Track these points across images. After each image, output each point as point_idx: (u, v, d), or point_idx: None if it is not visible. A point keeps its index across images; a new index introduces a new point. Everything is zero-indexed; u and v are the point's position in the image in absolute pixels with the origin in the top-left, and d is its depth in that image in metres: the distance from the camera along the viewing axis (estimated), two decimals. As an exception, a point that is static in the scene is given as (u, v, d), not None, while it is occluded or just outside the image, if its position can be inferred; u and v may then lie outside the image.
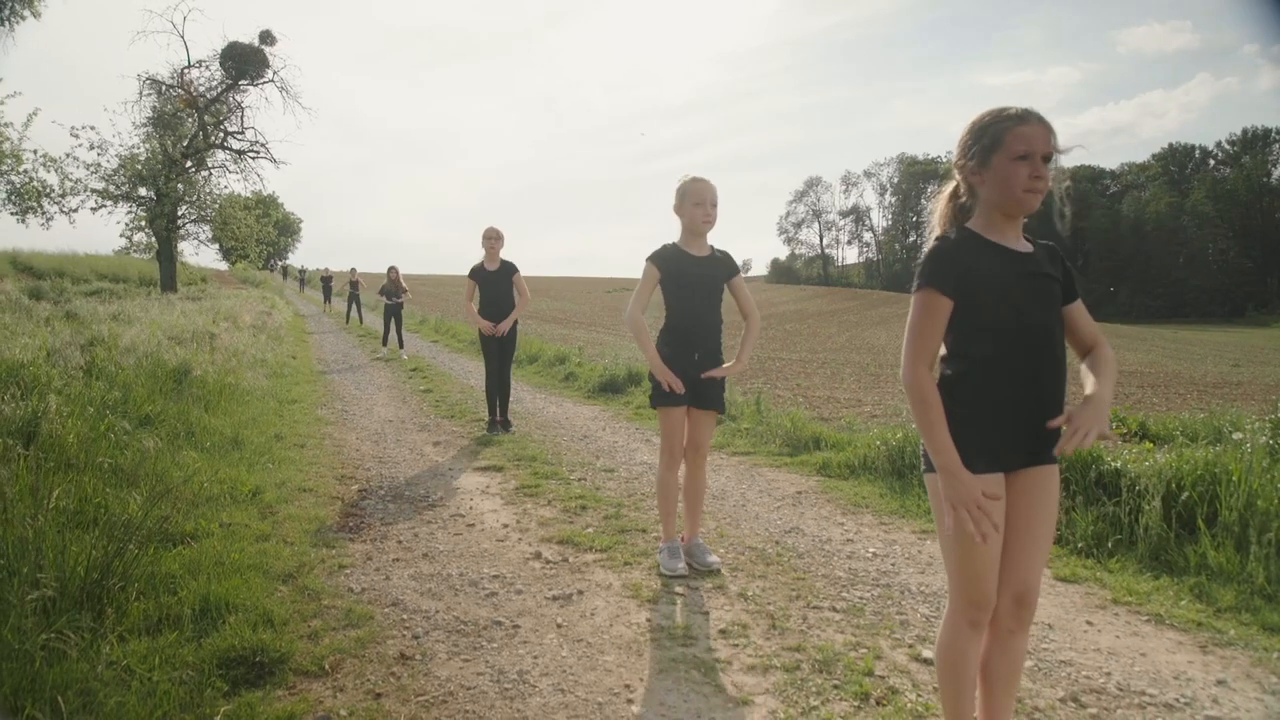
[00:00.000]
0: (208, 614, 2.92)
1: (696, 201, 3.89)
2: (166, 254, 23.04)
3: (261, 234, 25.27)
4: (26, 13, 18.95)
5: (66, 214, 20.61)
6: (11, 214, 19.51)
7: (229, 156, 23.98)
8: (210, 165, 23.76)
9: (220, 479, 4.77)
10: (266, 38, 23.64)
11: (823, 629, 3.19)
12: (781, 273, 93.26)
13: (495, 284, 7.53)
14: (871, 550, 4.29)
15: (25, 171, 19.50)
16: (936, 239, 2.08)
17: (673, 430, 3.99)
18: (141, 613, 2.87)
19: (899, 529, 4.70)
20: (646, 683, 2.70)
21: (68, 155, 21.35)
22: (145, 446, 4.73)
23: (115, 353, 7.35)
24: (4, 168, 19.04)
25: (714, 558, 3.94)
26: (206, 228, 24.14)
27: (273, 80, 24.12)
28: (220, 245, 29.64)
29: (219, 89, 23.41)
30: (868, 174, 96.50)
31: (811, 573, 3.90)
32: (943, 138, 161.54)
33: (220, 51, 23.09)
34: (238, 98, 24.53)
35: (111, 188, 21.30)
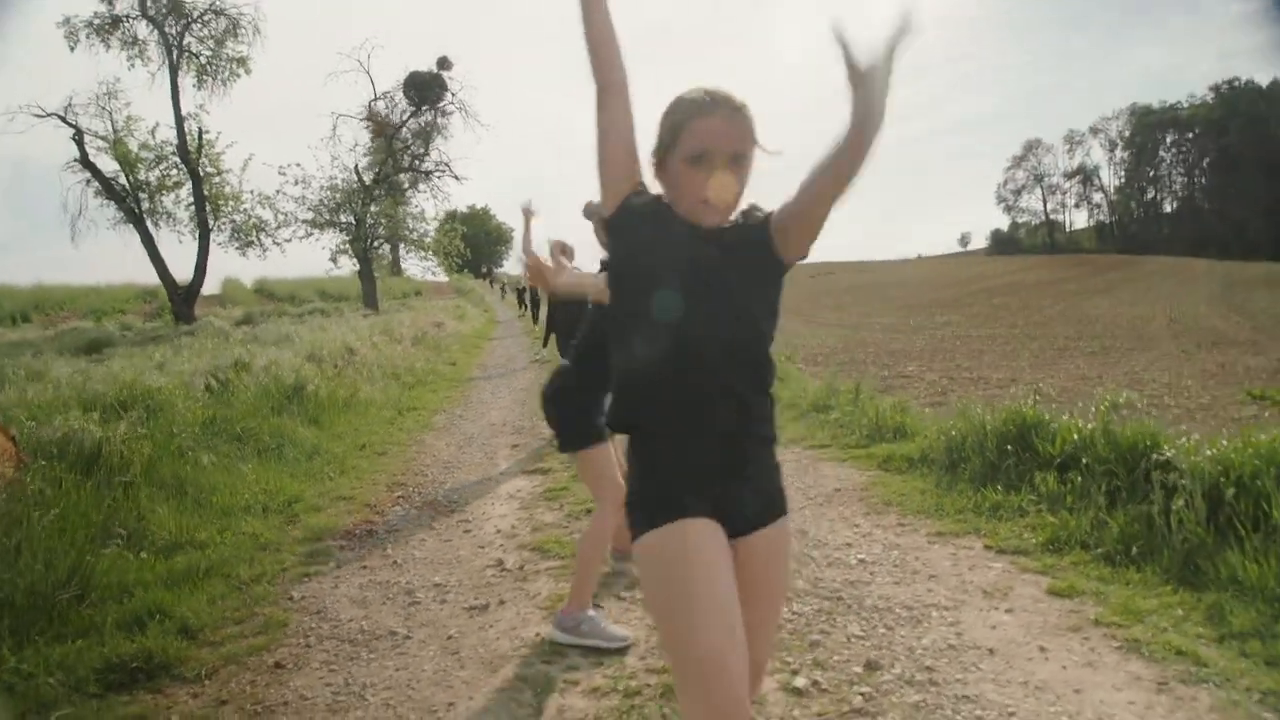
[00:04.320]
0: (139, 621, 3.21)
1: None
2: (366, 273, 25.45)
3: (449, 247, 27.26)
4: (241, 71, 21.64)
5: (279, 245, 23.41)
6: (236, 249, 22.50)
7: (417, 177, 26.04)
8: (402, 187, 25.91)
9: (266, 489, 5.22)
10: (444, 63, 25.37)
11: (714, 648, 2.98)
12: (1004, 244, 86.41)
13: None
14: (862, 556, 3.94)
15: (245, 210, 22.39)
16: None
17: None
18: (82, 619, 3.21)
19: (915, 531, 4.29)
20: (475, 701, 2.67)
21: (278, 192, 24.24)
22: (202, 462, 5.27)
23: (249, 374, 8.22)
24: (227, 208, 21.93)
25: None
26: (400, 246, 26.43)
27: (452, 102, 25.90)
28: (436, 258, 32.08)
29: (404, 116, 25.48)
30: (1094, 130, 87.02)
31: (768, 583, 3.64)
32: (1182, 83, 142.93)
33: (403, 81, 25.09)
34: (421, 122, 26.52)
35: (316, 217, 23.88)
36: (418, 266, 32.54)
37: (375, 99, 25.07)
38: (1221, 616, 2.97)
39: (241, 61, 21.69)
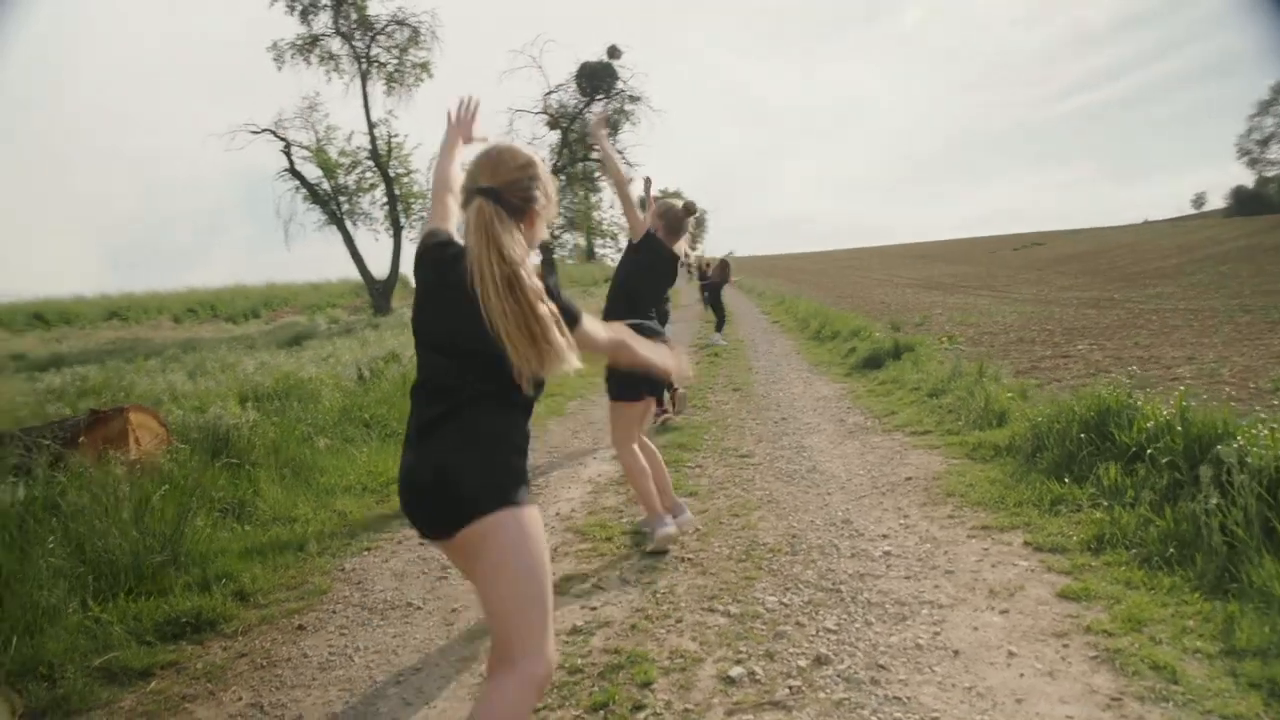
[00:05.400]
0: (206, 584, 3.75)
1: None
2: (547, 261, 26.71)
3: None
4: (424, 75, 23.39)
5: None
6: (427, 244, 24.23)
7: (594, 166, 26.92)
8: (578, 177, 26.91)
9: (371, 471, 5.77)
10: (613, 52, 26.00)
11: (678, 635, 3.07)
12: (1247, 202, 75.20)
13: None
14: (889, 549, 3.85)
15: (431, 208, 24.11)
16: None
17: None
18: (167, 580, 3.79)
19: (961, 524, 4.11)
20: (439, 669, 2.93)
21: (461, 187, 25.78)
22: (319, 446, 5.92)
23: (397, 364, 9.02)
24: (417, 206, 23.85)
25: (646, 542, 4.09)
26: (575, 234, 27.52)
27: (623, 90, 26.49)
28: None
29: (577, 107, 26.39)
30: (1375, 55, 73.64)
31: (775, 571, 3.66)
32: None
33: (574, 73, 26.01)
34: (608, 109, 27.31)
35: (498, 209, 25.15)
36: (611, 251, 33.74)
37: (549, 92, 26.20)
38: (1233, 632, 2.68)
39: (424, 66, 23.49)
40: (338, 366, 8.90)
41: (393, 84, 23.31)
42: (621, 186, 4.57)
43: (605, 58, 26.13)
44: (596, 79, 25.94)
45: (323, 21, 22.73)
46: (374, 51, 23.06)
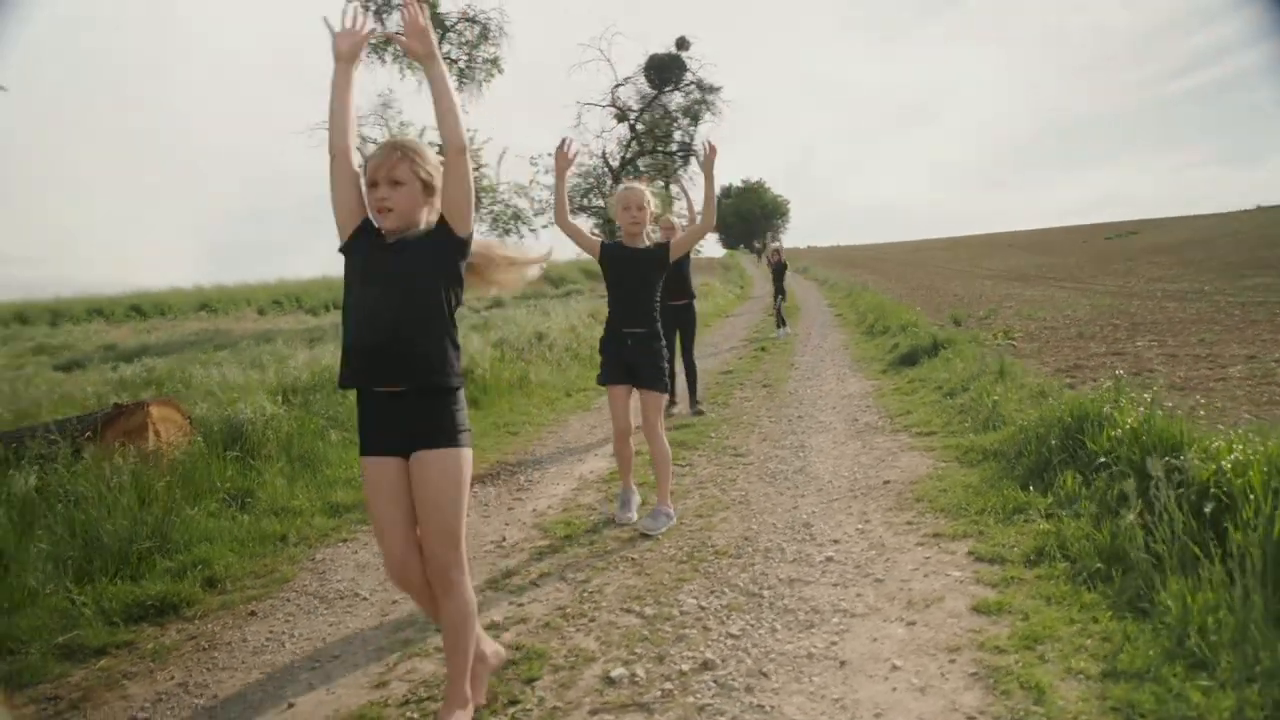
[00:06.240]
0: (182, 570, 4.02)
1: (624, 206, 4.53)
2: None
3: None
4: (494, 71, 23.87)
5: (534, 231, 25.59)
6: (496, 237, 24.90)
7: (664, 159, 26.97)
8: (645, 169, 27.01)
9: (376, 463, 6.02)
10: (682, 44, 26.00)
11: (585, 634, 3.17)
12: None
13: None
14: (832, 554, 3.86)
15: (501, 200, 24.76)
16: None
17: (612, 407, 4.62)
18: (150, 565, 4.09)
19: (916, 531, 4.08)
20: (354, 658, 3.10)
21: (532, 181, 26.40)
22: (331, 440, 6.21)
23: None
24: (487, 200, 24.38)
25: (650, 522, 4.38)
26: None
27: (693, 82, 26.43)
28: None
29: (646, 100, 26.48)
30: None
31: (711, 574, 3.72)
32: None
33: (643, 65, 26.09)
34: (689, 101, 27.37)
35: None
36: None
37: (617, 85, 26.37)
38: (1120, 652, 2.62)
39: (494, 62, 24.03)
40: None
41: (463, 80, 23.88)
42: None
43: (674, 49, 26.15)
44: (665, 71, 25.97)
45: (395, 21, 23.40)
46: (444, 49, 23.61)
